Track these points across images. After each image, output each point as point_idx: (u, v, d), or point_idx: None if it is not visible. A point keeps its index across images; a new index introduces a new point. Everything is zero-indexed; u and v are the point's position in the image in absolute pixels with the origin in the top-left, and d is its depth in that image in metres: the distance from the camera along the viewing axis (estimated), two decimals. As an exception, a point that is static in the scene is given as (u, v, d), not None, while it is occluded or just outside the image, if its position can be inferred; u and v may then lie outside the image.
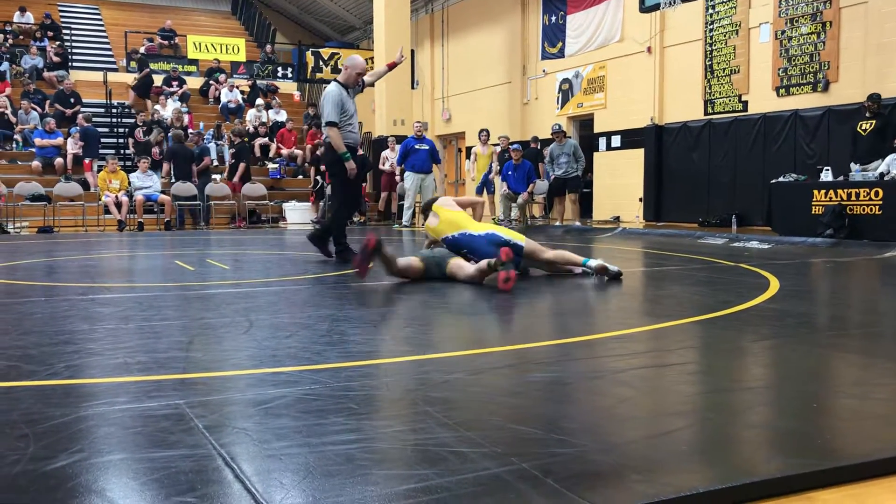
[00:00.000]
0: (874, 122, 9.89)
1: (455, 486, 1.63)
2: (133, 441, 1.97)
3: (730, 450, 1.96)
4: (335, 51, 19.69)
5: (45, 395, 2.41)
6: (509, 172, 13.64)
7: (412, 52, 17.67)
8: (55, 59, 18.50)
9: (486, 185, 14.91)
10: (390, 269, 5.31)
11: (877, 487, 1.73)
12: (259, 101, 18.26)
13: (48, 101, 16.53)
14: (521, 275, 5.49)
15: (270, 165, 16.80)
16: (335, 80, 7.06)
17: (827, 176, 9.75)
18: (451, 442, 1.91)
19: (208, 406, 2.26)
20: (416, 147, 13.72)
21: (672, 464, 1.80)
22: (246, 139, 15.44)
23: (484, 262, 5.04)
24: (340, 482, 1.65)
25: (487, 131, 15.30)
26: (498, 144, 14.91)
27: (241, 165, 14.80)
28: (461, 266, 5.27)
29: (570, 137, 13.79)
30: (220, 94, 18.99)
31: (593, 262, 5.54)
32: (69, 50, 19.63)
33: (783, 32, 11.96)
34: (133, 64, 18.59)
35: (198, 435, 1.98)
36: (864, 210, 8.96)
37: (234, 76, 19.50)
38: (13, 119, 15.72)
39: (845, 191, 9.17)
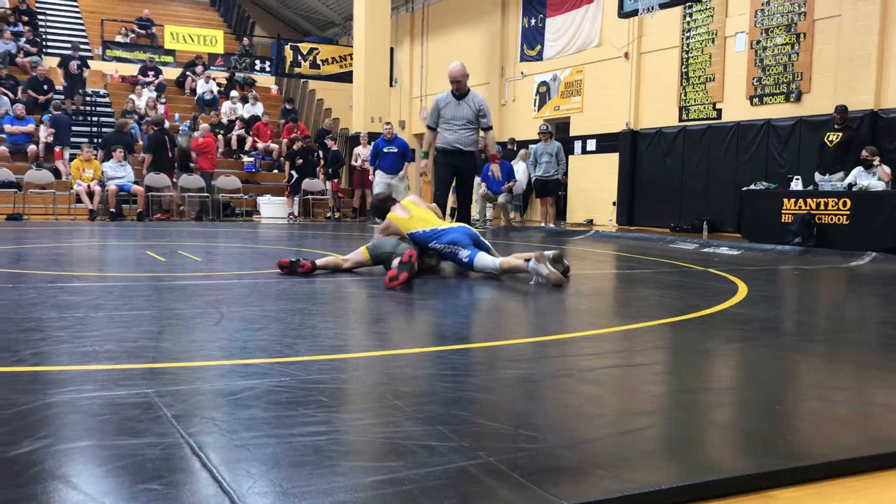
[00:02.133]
0: (841, 133, 10.08)
1: (422, 478, 1.64)
2: (99, 428, 1.95)
3: (694, 448, 1.99)
4: (314, 46, 19.61)
5: (10, 381, 2.38)
6: (488, 173, 13.64)
7: (391, 49, 17.64)
8: (29, 47, 18.19)
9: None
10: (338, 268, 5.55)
11: (836, 487, 1.77)
12: (234, 93, 18.10)
13: (20, 87, 16.28)
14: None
15: (246, 159, 16.70)
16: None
17: (797, 185, 9.91)
18: (420, 436, 1.92)
19: (177, 395, 2.25)
20: (385, 150, 13.73)
21: (637, 461, 1.82)
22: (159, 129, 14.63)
23: (396, 260, 5.05)
24: (308, 472, 1.66)
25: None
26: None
27: (148, 156, 13.92)
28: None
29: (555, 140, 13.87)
30: (196, 85, 18.83)
31: (533, 265, 5.20)
32: (44, 36, 19.34)
33: (758, 42, 12.13)
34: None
35: (166, 424, 1.97)
36: (832, 220, 9.11)
37: (212, 68, 19.35)
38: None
39: (814, 200, 9.32)
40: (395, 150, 13.72)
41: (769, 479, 1.75)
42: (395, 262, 5.02)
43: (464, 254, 5.41)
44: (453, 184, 7.92)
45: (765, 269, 7.13)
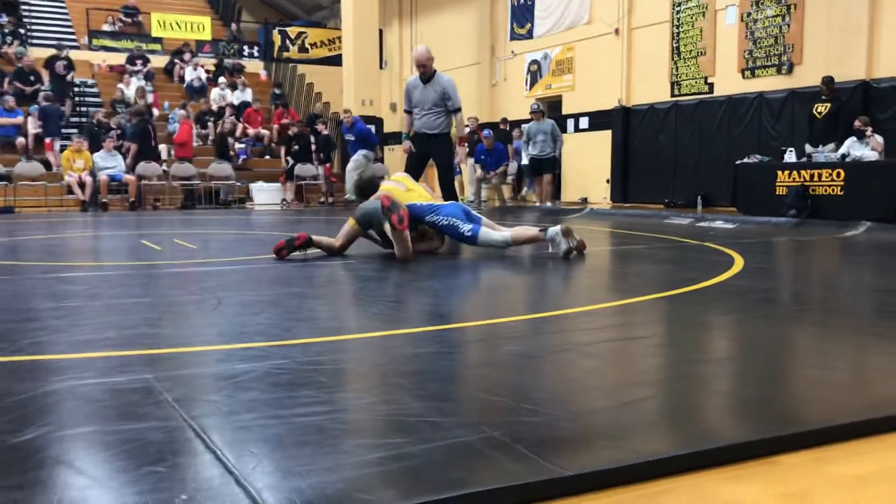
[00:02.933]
0: (829, 105, 10.09)
1: (427, 453, 1.64)
2: (101, 414, 1.95)
3: (696, 417, 2.00)
4: (302, 30, 19.47)
5: (9, 370, 2.37)
6: (482, 156, 13.69)
7: (380, 31, 17.52)
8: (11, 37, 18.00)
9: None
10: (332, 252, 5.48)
11: (838, 451, 1.77)
12: (222, 79, 17.94)
13: (6, 79, 16.13)
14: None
15: (237, 146, 16.61)
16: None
17: (790, 157, 9.90)
18: (423, 412, 1.93)
19: (177, 380, 2.25)
20: (346, 138, 14.20)
21: (639, 430, 1.83)
22: (143, 118, 14.45)
23: (388, 226, 5.09)
24: (312, 451, 1.66)
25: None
26: (468, 126, 14.88)
27: (133, 146, 13.89)
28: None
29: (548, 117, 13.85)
30: (184, 73, 18.68)
31: (554, 229, 5.33)
32: (27, 27, 19.14)
33: (749, 15, 12.07)
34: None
35: (167, 408, 1.97)
36: (826, 191, 9.12)
37: (200, 55, 19.19)
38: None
39: (808, 172, 9.33)
40: (353, 139, 14.05)
41: (772, 445, 1.75)
42: (387, 226, 5.05)
43: (465, 228, 5.31)
44: (429, 168, 7.90)
45: (760, 242, 7.14)
